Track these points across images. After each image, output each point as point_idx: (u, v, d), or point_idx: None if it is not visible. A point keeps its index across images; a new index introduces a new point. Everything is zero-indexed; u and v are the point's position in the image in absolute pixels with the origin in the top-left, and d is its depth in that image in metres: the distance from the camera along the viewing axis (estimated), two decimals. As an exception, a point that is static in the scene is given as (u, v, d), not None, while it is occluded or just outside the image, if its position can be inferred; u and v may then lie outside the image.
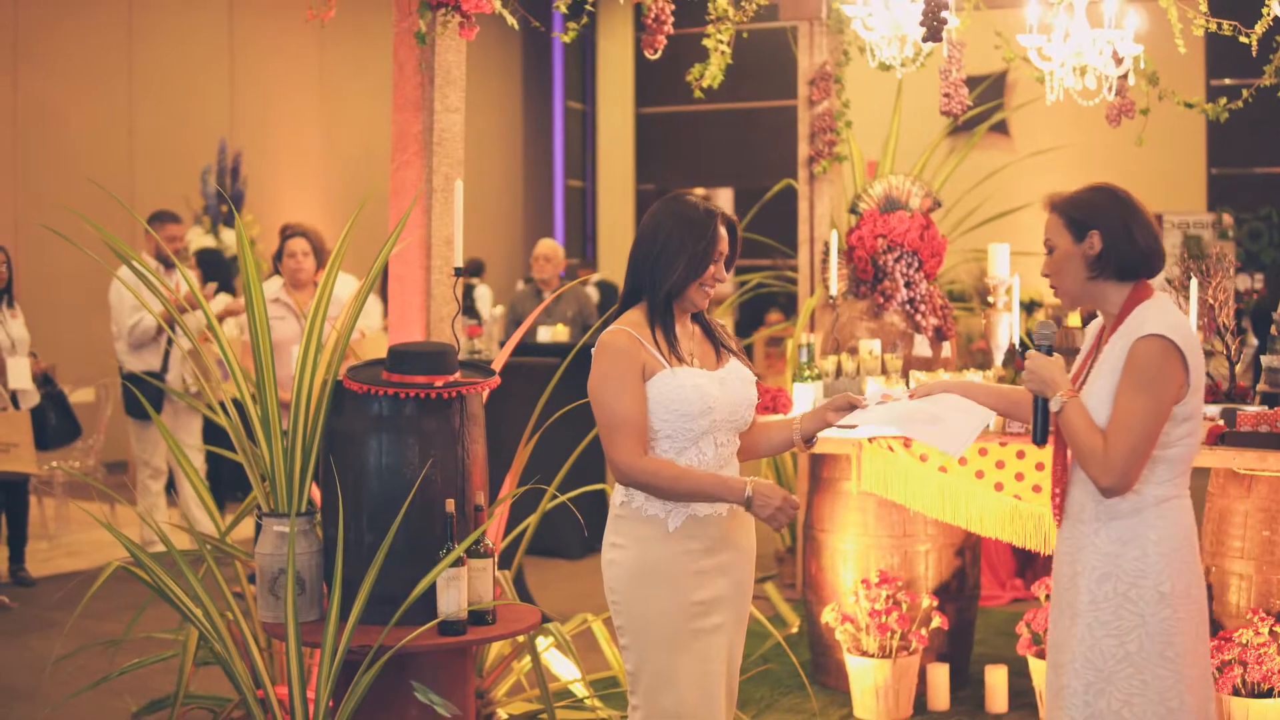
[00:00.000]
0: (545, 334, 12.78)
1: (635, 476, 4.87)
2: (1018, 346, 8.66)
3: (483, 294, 18.75)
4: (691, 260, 4.93)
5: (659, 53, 7.87)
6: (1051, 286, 4.86)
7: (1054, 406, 4.66)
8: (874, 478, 7.71)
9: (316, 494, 5.75)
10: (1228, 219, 21.22)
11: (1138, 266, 4.76)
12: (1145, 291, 4.77)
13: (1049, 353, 4.78)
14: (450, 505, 5.39)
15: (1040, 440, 4.82)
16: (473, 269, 19.81)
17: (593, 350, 5.02)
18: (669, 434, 4.91)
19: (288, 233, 10.66)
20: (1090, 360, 4.85)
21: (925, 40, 7.81)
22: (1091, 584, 4.70)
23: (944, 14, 7.64)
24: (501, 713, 6.89)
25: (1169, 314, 4.68)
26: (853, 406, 5.02)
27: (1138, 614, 4.65)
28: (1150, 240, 4.78)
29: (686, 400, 4.88)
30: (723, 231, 4.99)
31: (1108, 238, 4.75)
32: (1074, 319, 8.30)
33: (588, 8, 7.51)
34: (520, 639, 6.53)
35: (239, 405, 5.76)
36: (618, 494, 5.01)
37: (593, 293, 19.06)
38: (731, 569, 5.03)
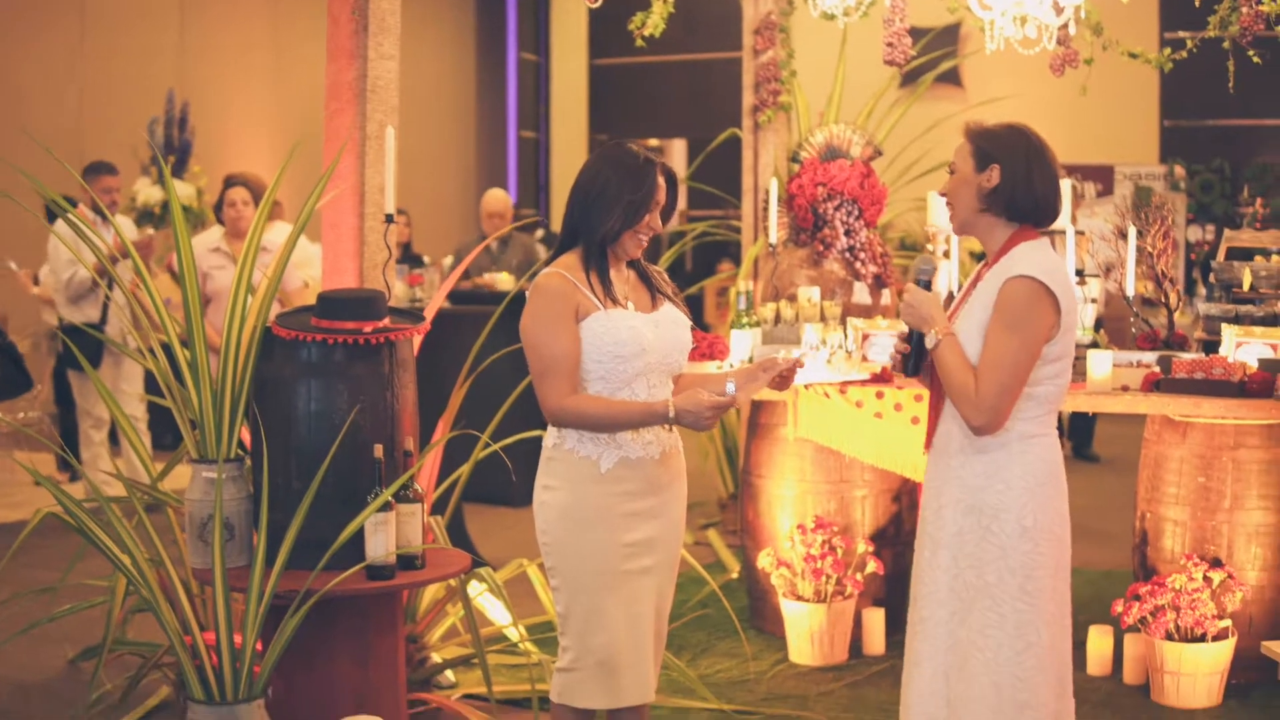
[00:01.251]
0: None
1: (565, 416, 4.91)
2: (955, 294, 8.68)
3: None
4: (628, 208, 4.95)
5: (599, 2, 7.86)
6: (948, 206, 4.92)
7: (929, 343, 4.75)
8: (810, 424, 7.74)
9: (248, 440, 5.76)
10: (1180, 171, 21.25)
11: (1028, 211, 4.83)
12: (1028, 235, 4.84)
13: (928, 288, 4.85)
14: (379, 450, 5.41)
15: (912, 372, 4.91)
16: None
17: (528, 293, 5.04)
18: (602, 375, 4.93)
19: (229, 182, 10.64)
20: (967, 296, 4.92)
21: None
22: (957, 516, 4.79)
23: (882, -38, 7.64)
24: (435, 657, 6.92)
25: (1043, 256, 4.75)
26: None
27: (999, 547, 4.72)
28: (1048, 190, 4.84)
29: (620, 342, 4.91)
30: (661, 182, 5.02)
31: (1006, 174, 4.81)
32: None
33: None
34: (453, 584, 6.55)
35: (169, 351, 5.76)
36: (550, 436, 5.04)
37: (540, 248, 19.02)
38: (662, 512, 5.07)
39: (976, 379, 4.66)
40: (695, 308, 21.55)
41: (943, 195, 4.93)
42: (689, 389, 5.10)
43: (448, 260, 13.51)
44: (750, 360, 7.99)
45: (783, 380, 4.98)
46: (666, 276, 5.31)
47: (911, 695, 4.89)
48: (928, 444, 4.97)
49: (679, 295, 5.27)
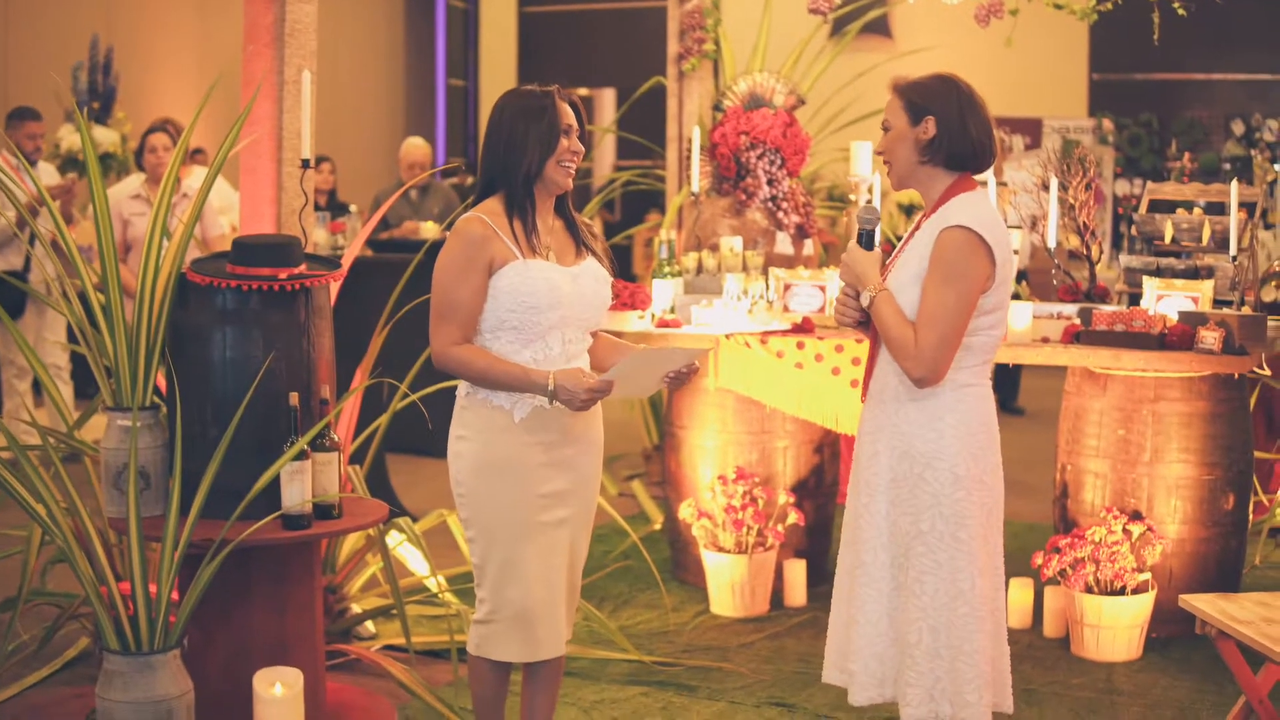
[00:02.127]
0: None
1: (447, 363, 4.91)
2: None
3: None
4: (541, 140, 4.93)
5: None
6: (885, 164, 4.92)
7: (864, 300, 4.78)
8: (731, 374, 7.73)
9: (164, 388, 5.70)
10: (1108, 124, 21.35)
11: (966, 158, 4.86)
12: (967, 184, 4.87)
13: (870, 238, 4.87)
14: (294, 399, 5.36)
15: (848, 322, 4.93)
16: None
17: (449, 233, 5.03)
18: (515, 325, 4.90)
19: (151, 128, 10.54)
20: (904, 246, 4.94)
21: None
22: (893, 462, 4.83)
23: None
24: (355, 607, 6.90)
25: (979, 208, 4.78)
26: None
27: (932, 494, 4.77)
28: (983, 134, 4.88)
29: (535, 293, 4.87)
30: (564, 106, 5.00)
31: (941, 124, 4.84)
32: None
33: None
34: (373, 534, 6.52)
35: (84, 299, 5.68)
36: (463, 385, 5.00)
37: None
38: (577, 463, 5.05)
39: (915, 332, 4.71)
40: (624, 257, 21.56)
41: (879, 153, 4.94)
42: (606, 348, 5.16)
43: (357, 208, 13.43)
44: (672, 311, 7.97)
45: (676, 380, 4.97)
46: (596, 230, 5.28)
47: (858, 639, 4.90)
48: (865, 392, 4.97)
49: (606, 250, 5.25)
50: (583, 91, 25.97)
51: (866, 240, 4.89)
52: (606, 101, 26.59)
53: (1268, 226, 13.38)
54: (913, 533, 4.80)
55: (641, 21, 22.74)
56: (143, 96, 17.04)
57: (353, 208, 13.20)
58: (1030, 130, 20.93)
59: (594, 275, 5.08)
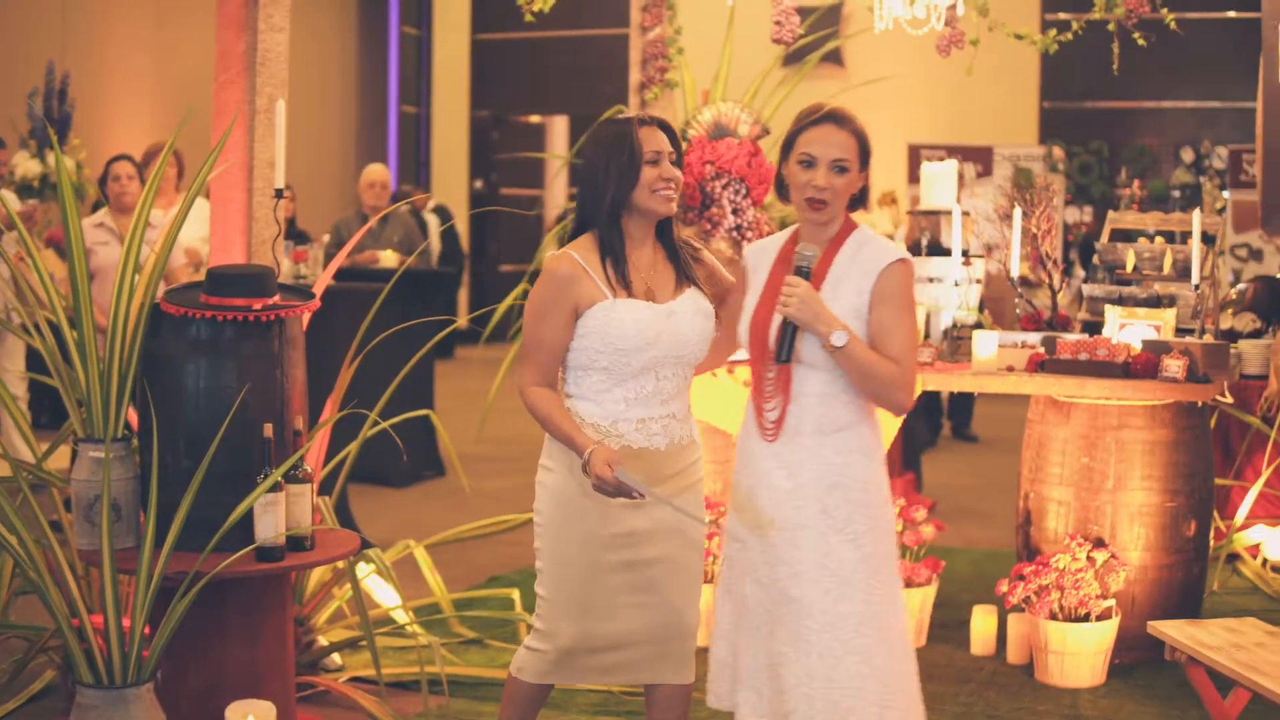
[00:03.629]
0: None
1: (523, 399, 4.93)
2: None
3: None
4: (622, 172, 4.86)
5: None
6: (822, 200, 4.83)
7: (838, 342, 4.70)
8: (698, 403, 7.66)
9: (135, 419, 5.68)
10: (1058, 152, 21.49)
11: (864, 198, 4.97)
12: (850, 220, 4.97)
13: (808, 276, 4.83)
14: (268, 430, 5.35)
15: (786, 359, 4.82)
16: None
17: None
18: (605, 366, 4.89)
19: (116, 157, 10.52)
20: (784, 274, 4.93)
21: (754, -33, 7.81)
22: (821, 494, 4.82)
23: (772, -59, 7.64)
24: (322, 639, 6.87)
25: (885, 239, 4.98)
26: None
27: (869, 517, 4.83)
28: None
29: (623, 334, 4.85)
30: (647, 133, 4.90)
31: (866, 171, 4.95)
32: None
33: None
34: (340, 565, 6.50)
35: (55, 329, 5.66)
36: None
37: (433, 219, 18.91)
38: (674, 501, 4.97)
39: (897, 363, 4.76)
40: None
41: (825, 189, 4.84)
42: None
43: (325, 237, 13.41)
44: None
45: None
46: (704, 254, 5.21)
47: (790, 678, 4.84)
48: (778, 428, 4.93)
49: (713, 274, 5.18)
50: (535, 119, 26.01)
51: (805, 277, 4.87)
52: (559, 129, 26.64)
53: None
54: (856, 558, 4.81)
55: (594, 49, 22.81)
56: (98, 124, 16.98)
57: (325, 237, 13.18)
58: (981, 158, 21.04)
59: (693, 309, 5.00)
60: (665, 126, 4.97)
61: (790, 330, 4.77)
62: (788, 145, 4.91)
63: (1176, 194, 20.80)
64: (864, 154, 4.89)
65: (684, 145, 9.32)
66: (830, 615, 4.79)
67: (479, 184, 25.11)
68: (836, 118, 4.86)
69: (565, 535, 4.94)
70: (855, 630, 4.79)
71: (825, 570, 4.81)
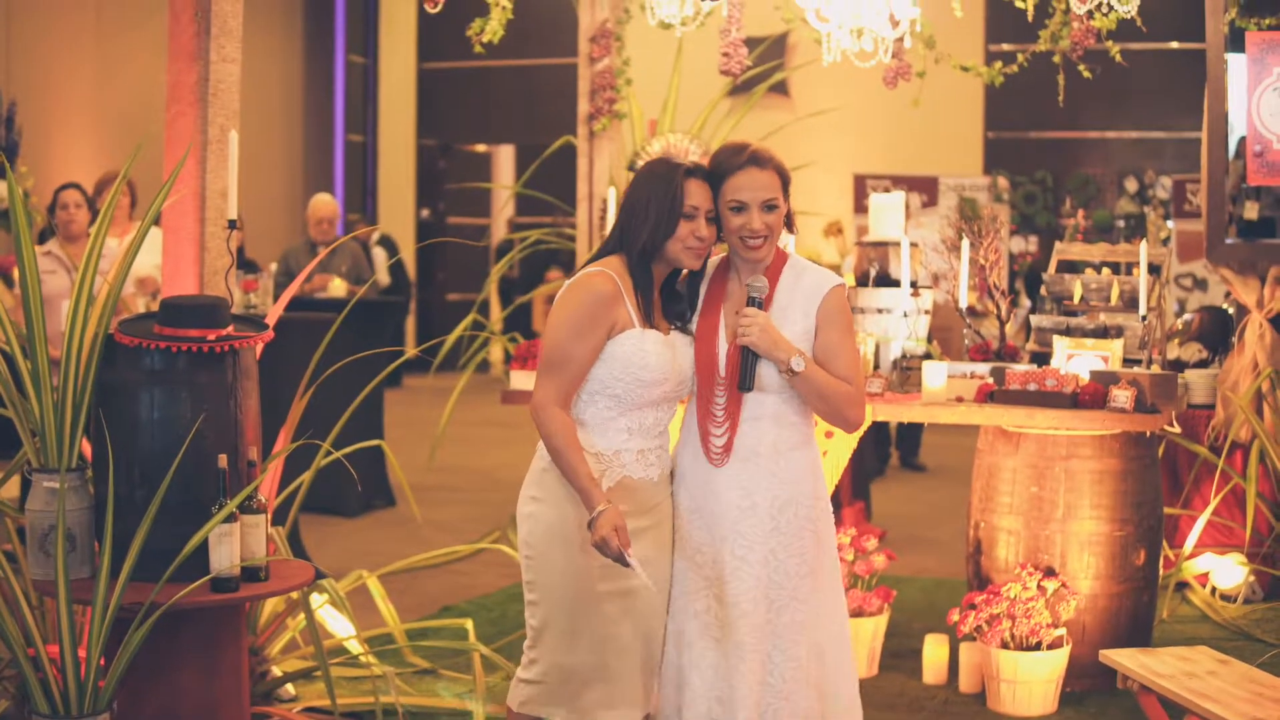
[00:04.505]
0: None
1: (539, 417, 4.89)
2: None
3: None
4: (659, 218, 4.89)
5: (439, 7, 7.80)
6: (760, 237, 4.96)
7: (797, 366, 4.87)
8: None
9: (89, 449, 5.66)
10: (1003, 182, 21.61)
11: (790, 222, 5.10)
12: (780, 251, 5.10)
13: (760, 307, 4.93)
14: (223, 460, 5.34)
15: (750, 387, 4.94)
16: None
17: (570, 280, 5.00)
18: (618, 394, 4.91)
19: (62, 185, 10.48)
20: (724, 302, 5.07)
21: (704, -1, 7.84)
22: (773, 513, 4.98)
23: (723, -27, 7.67)
24: (276, 670, 6.85)
25: (815, 264, 5.14)
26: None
27: (815, 533, 5.03)
28: None
29: (648, 366, 4.88)
30: (692, 186, 4.93)
31: (789, 198, 5.06)
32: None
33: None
34: (294, 596, 6.49)
35: (8, 358, 5.64)
36: (543, 447, 4.99)
37: (380, 253, 18.89)
38: (649, 535, 4.99)
39: (850, 382, 4.95)
40: (524, 316, 21.60)
41: (764, 232, 4.95)
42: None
43: (273, 266, 13.39)
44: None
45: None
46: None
47: (740, 686, 4.94)
48: (725, 453, 5.01)
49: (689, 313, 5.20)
50: (481, 148, 26.01)
51: (758, 308, 4.95)
52: (505, 158, 26.65)
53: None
54: (802, 572, 4.99)
55: (541, 78, 22.85)
56: (43, 152, 16.91)
57: (273, 266, 13.16)
58: (927, 188, 21.15)
59: (684, 345, 5.06)
60: (711, 179, 4.99)
61: (751, 359, 4.90)
62: (711, 187, 5.00)
63: (1121, 224, 20.93)
64: (786, 185, 5.02)
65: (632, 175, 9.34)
66: (774, 625, 4.97)
67: (426, 213, 25.10)
68: (758, 160, 4.98)
69: (557, 566, 4.94)
70: (793, 639, 4.97)
71: (773, 584, 4.98)
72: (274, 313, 6.81)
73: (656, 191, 4.91)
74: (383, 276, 15.65)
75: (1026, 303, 17.54)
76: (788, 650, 4.97)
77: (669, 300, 5.10)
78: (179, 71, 6.58)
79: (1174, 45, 19.86)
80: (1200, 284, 19.12)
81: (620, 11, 10.03)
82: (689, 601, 5.03)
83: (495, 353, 18.54)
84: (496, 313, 21.09)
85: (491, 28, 8.62)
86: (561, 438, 4.85)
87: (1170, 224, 20.02)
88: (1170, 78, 20.09)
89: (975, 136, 22.32)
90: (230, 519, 5.28)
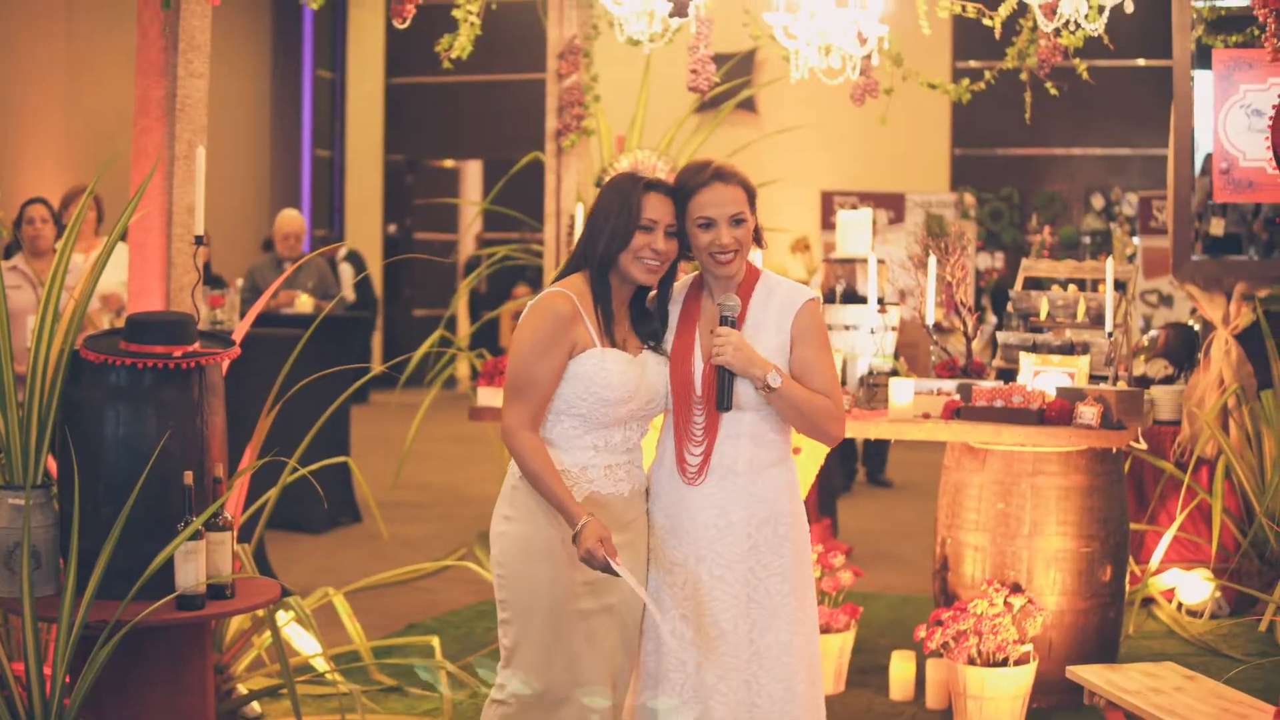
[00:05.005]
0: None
1: (512, 443, 4.87)
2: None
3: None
4: (616, 231, 4.88)
5: (407, 22, 7.79)
6: (730, 252, 4.95)
7: (774, 383, 4.86)
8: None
9: (54, 466, 5.64)
10: (969, 199, 21.66)
11: (758, 237, 5.08)
12: (752, 265, 5.12)
13: (733, 325, 4.93)
14: (188, 478, 5.32)
15: (728, 406, 4.93)
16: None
17: (531, 302, 4.98)
18: (583, 413, 4.90)
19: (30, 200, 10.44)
20: (698, 321, 5.06)
21: (672, 15, 7.86)
22: (751, 530, 4.97)
23: (691, -10, 7.68)
24: (241, 688, 6.83)
25: (788, 279, 5.15)
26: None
27: (794, 552, 5.01)
28: None
29: (610, 385, 4.86)
30: (652, 199, 4.91)
31: (755, 212, 5.06)
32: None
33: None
34: (260, 613, 6.47)
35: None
36: (515, 466, 4.97)
37: (347, 269, 18.85)
38: (625, 548, 4.94)
39: (829, 396, 4.94)
40: (492, 332, 21.58)
41: (733, 248, 4.95)
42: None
43: (239, 281, 13.37)
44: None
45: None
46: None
47: (718, 709, 4.94)
48: (700, 471, 5.01)
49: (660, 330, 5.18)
50: (449, 163, 26.00)
51: (731, 326, 4.95)
52: (473, 174, 26.62)
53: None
54: (784, 590, 4.97)
55: (508, 94, 22.83)
56: (10, 166, 16.87)
57: (239, 281, 13.14)
58: (894, 205, 21.19)
59: (656, 363, 5.04)
60: (677, 195, 4.98)
61: (727, 378, 4.88)
62: (678, 205, 4.98)
63: (1087, 240, 21.00)
64: (753, 200, 5.02)
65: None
66: (757, 645, 4.95)
67: (393, 228, 25.07)
68: (722, 175, 4.97)
69: (531, 585, 4.91)
70: (778, 660, 4.95)
71: (753, 603, 4.96)
72: (240, 329, 6.80)
73: (615, 203, 4.91)
74: (349, 292, 15.61)
75: (992, 319, 17.59)
76: (774, 671, 4.95)
77: (642, 319, 5.09)
78: (147, 87, 6.57)
79: (1140, 62, 19.94)
80: (1166, 300, 19.18)
81: (588, 28, 10.04)
82: (664, 620, 5.02)
83: (462, 369, 18.52)
84: (464, 329, 21.08)
85: (460, 44, 8.62)
86: (536, 461, 4.84)
87: (1136, 240, 20.09)
88: (1136, 95, 20.16)
89: (942, 153, 22.37)
90: (196, 536, 5.26)
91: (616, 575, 4.73)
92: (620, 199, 4.91)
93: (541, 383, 4.86)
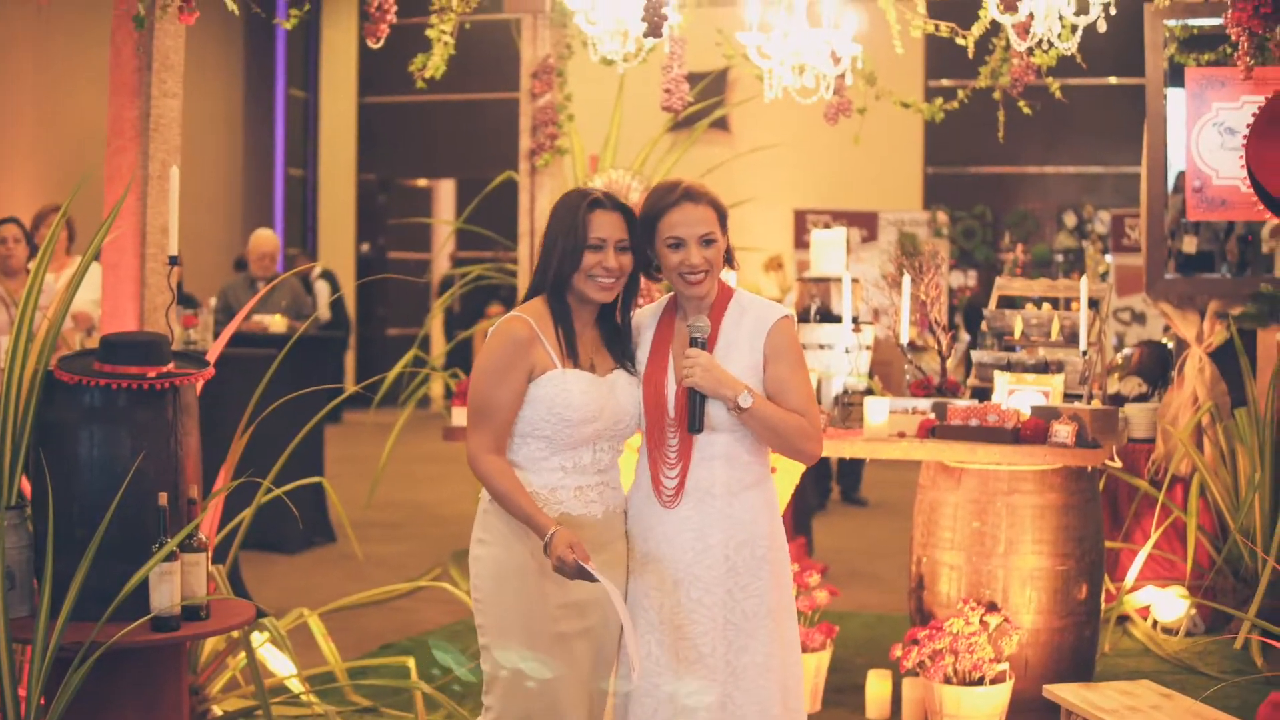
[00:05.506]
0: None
1: (477, 468, 4.88)
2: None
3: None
4: (565, 251, 4.87)
5: (381, 42, 7.78)
6: (700, 272, 4.95)
7: (745, 403, 4.84)
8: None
9: (28, 487, 5.61)
10: (942, 217, 21.72)
11: (730, 257, 5.08)
12: (725, 284, 5.12)
13: (703, 346, 4.91)
14: (163, 499, 5.30)
15: (700, 428, 4.92)
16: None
17: (490, 329, 4.98)
18: (547, 435, 4.88)
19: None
20: (671, 343, 5.06)
21: (646, 35, 7.84)
22: (729, 552, 4.95)
23: (665, 10, 7.68)
24: (216, 709, 6.80)
25: (762, 297, 5.14)
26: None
27: (773, 573, 5.00)
28: None
29: (571, 405, 4.84)
30: (597, 217, 4.89)
31: (727, 232, 5.05)
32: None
33: (310, -6, 7.44)
34: (235, 634, 6.45)
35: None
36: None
37: (323, 287, 18.81)
38: (603, 569, 4.87)
39: (804, 415, 4.92)
40: (466, 351, 21.53)
41: (704, 268, 4.94)
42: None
43: (212, 301, 13.33)
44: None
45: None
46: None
47: None
48: (677, 494, 5.00)
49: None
50: (422, 183, 25.98)
51: (701, 348, 4.93)
52: (446, 193, 26.60)
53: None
54: (761, 613, 4.96)
55: (482, 113, 22.82)
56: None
57: (212, 301, 13.09)
58: (867, 223, 21.20)
59: (627, 383, 5.02)
60: (626, 211, 4.98)
61: (698, 400, 4.87)
62: (648, 226, 4.97)
63: (1059, 258, 21.07)
64: (723, 220, 5.01)
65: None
66: (734, 666, 4.94)
67: (366, 247, 25.05)
68: (692, 195, 4.96)
69: (507, 608, 4.89)
70: (755, 681, 4.94)
71: (730, 625, 4.95)
72: (215, 349, 6.78)
73: (563, 225, 4.90)
74: (324, 311, 15.59)
75: (965, 337, 17.61)
76: (751, 691, 4.93)
77: (614, 338, 5.09)
78: (120, 106, 6.56)
79: (1111, 81, 20.01)
80: (1138, 318, 19.20)
81: (562, 48, 10.04)
82: (644, 643, 5.00)
83: (436, 388, 18.48)
84: (437, 348, 21.05)
85: (434, 63, 8.61)
86: (502, 481, 4.84)
87: (1108, 258, 20.11)
88: (1108, 113, 20.22)
89: (915, 172, 22.42)
90: (171, 558, 5.24)
91: (593, 579, 4.71)
92: (567, 220, 4.90)
93: (501, 407, 4.86)
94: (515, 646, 4.90)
